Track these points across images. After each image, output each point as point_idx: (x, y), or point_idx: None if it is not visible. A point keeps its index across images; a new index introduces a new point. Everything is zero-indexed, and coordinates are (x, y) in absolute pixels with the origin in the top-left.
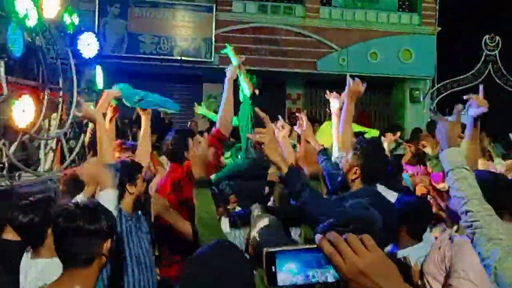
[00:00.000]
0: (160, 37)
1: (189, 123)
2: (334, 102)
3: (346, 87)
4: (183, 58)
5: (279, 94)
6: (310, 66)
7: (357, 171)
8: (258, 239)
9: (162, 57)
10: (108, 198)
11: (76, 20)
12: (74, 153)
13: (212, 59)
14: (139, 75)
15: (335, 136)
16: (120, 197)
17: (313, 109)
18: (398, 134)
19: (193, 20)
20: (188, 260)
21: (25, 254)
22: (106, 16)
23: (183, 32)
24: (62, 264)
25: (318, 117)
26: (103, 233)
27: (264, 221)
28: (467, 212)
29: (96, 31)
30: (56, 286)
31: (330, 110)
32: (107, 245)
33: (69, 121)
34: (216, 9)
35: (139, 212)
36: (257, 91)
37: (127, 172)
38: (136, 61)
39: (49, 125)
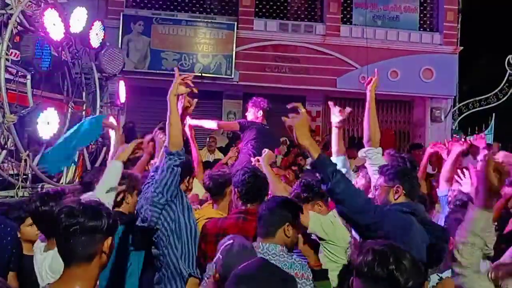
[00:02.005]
0: (181, 53)
1: (207, 138)
2: (336, 114)
3: (370, 81)
4: (204, 74)
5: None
6: (330, 83)
7: (399, 189)
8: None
9: (183, 73)
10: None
11: (101, 35)
12: (96, 164)
13: (233, 76)
14: (160, 91)
15: (335, 149)
16: (178, 182)
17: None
18: None
19: (215, 37)
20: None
21: (38, 250)
22: (130, 33)
23: (205, 49)
24: (63, 263)
25: None
26: (103, 230)
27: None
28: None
29: (119, 47)
30: (57, 285)
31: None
32: (107, 242)
33: None
34: (237, 26)
35: None
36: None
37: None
38: (158, 77)
39: None
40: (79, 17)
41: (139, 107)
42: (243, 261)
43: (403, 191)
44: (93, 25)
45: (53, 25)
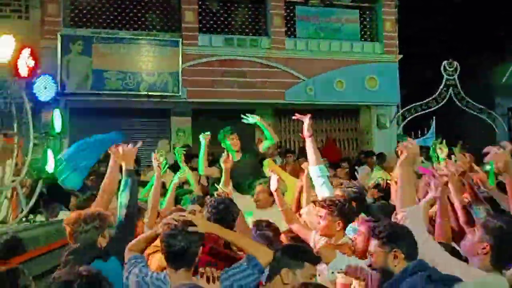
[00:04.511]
0: (126, 72)
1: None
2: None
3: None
4: (150, 93)
5: (249, 125)
6: (278, 96)
7: (397, 253)
8: None
9: (128, 92)
10: None
11: (32, 63)
12: (32, 201)
13: (180, 93)
14: (105, 112)
15: (313, 157)
16: None
17: (283, 138)
18: None
19: (159, 55)
20: None
21: None
22: (69, 53)
23: (149, 66)
24: None
25: (289, 146)
26: None
27: None
28: None
29: (59, 69)
30: None
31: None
32: None
33: (25, 168)
34: (182, 43)
35: None
36: None
37: None
38: (102, 97)
39: (4, 172)
40: (6, 45)
41: (83, 129)
42: None
43: (403, 255)
44: (21, 53)
45: None
